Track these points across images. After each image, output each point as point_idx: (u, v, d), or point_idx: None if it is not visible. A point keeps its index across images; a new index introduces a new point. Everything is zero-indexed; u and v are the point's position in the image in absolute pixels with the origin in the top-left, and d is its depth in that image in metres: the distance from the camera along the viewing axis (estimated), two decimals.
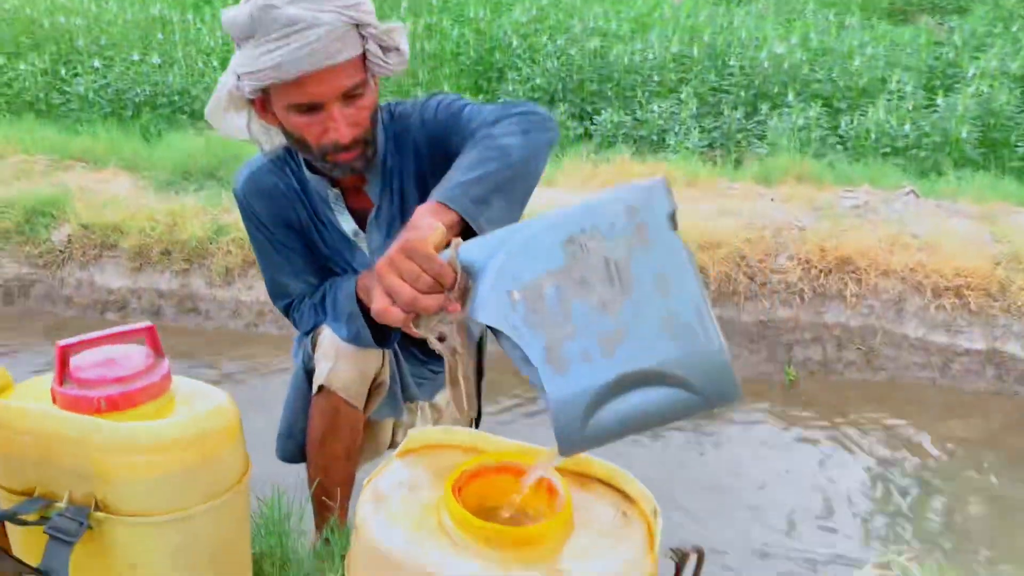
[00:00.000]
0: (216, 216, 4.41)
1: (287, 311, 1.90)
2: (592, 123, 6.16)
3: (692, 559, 1.21)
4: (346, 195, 1.79)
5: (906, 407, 3.52)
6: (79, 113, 6.72)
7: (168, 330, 4.23)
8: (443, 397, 2.12)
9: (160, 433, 1.27)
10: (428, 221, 1.16)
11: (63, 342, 1.33)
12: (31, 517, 1.30)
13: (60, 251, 4.42)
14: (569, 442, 0.96)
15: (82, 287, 4.35)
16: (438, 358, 1.96)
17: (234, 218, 4.34)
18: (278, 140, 1.71)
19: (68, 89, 6.92)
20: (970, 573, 2.48)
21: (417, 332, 1.09)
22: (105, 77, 6.88)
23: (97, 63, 6.96)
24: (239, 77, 1.52)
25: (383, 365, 1.81)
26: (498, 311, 0.97)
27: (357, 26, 1.48)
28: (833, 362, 3.77)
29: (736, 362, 3.65)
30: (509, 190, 1.32)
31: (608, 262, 0.95)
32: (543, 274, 0.96)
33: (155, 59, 6.89)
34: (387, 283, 1.17)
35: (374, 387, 1.81)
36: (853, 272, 3.79)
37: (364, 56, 1.52)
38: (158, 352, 1.43)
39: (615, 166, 5.08)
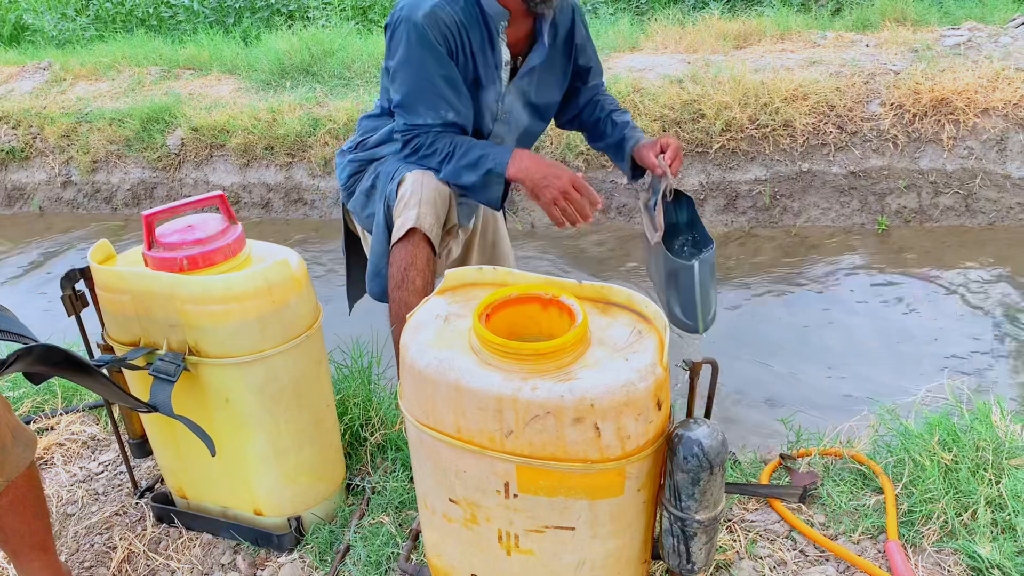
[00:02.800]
0: (311, 110, 4.60)
1: (409, 133, 2.04)
2: None
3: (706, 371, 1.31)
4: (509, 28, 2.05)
5: (1007, 251, 3.42)
6: (185, 24, 7.01)
7: (277, 222, 4.52)
8: (473, 221, 2.36)
9: (231, 285, 1.45)
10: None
11: (147, 212, 1.51)
12: (139, 362, 1.53)
13: (175, 154, 4.74)
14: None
15: (198, 186, 4.68)
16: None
17: (327, 111, 4.53)
18: None
19: (175, 2, 7.20)
20: None
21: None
22: None
23: None
24: None
25: (450, 208, 2.01)
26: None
27: None
28: (929, 209, 3.67)
29: (827, 214, 3.63)
30: None
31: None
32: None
33: None
34: (563, 207, 1.93)
35: (446, 231, 2.03)
36: (950, 113, 3.63)
37: None
38: (231, 218, 1.60)
39: (704, 27, 4.94)
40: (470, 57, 1.99)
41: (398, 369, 2.17)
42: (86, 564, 1.70)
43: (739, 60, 4.31)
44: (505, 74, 2.07)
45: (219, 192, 1.60)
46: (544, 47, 2.08)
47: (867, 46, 4.29)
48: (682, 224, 2.19)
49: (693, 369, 1.29)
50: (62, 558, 1.70)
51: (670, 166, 2.02)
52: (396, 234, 1.94)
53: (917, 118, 3.66)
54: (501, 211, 2.43)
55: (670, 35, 4.89)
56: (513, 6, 1.98)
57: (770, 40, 4.65)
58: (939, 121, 3.63)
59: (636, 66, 4.44)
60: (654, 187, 2.09)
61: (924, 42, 4.16)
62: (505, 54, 2.04)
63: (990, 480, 1.53)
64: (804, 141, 3.76)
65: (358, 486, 1.80)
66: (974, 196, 3.60)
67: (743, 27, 4.84)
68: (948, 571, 1.44)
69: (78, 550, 1.74)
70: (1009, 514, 1.47)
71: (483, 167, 1.95)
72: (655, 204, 2.06)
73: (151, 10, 7.32)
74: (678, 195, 2.12)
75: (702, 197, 3.91)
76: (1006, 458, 1.56)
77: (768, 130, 3.78)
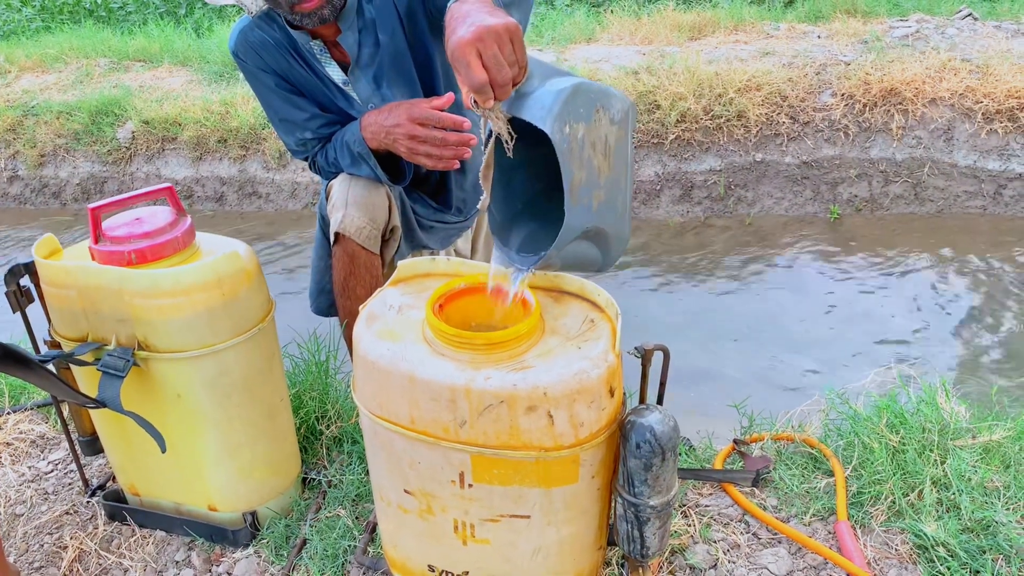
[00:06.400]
0: None
1: (311, 164, 2.02)
2: None
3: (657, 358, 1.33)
4: (328, 48, 1.88)
5: (954, 237, 3.50)
6: (135, 15, 6.88)
7: (231, 216, 4.46)
8: (464, 241, 2.26)
9: (180, 278, 1.42)
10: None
11: (93, 204, 1.48)
12: (87, 358, 1.50)
13: (126, 148, 4.65)
14: (549, 259, 1.21)
15: (150, 179, 4.59)
16: (448, 205, 2.09)
17: None
18: (260, 1, 1.82)
19: None
20: (976, 384, 2.53)
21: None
22: None
23: None
24: None
25: (391, 210, 1.92)
26: (557, 131, 1.07)
27: None
28: (879, 197, 3.74)
29: (780, 204, 3.68)
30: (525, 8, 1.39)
31: (607, 139, 1.17)
32: (583, 123, 1.12)
33: None
34: (424, 151, 1.68)
35: (387, 233, 1.95)
36: (899, 104, 3.69)
37: None
38: (179, 210, 1.58)
39: (659, 18, 4.97)
40: (302, 77, 1.89)
41: (352, 364, 2.17)
42: (36, 564, 1.67)
43: (694, 51, 4.35)
44: (351, 90, 1.92)
45: (167, 184, 1.57)
46: (362, 57, 1.84)
47: (819, 37, 4.36)
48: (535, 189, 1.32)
49: (645, 356, 1.30)
50: (11, 559, 1.67)
51: (484, 87, 1.05)
52: (332, 240, 1.92)
53: (867, 108, 3.72)
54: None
55: (626, 26, 4.92)
56: (319, 30, 1.82)
57: (724, 31, 4.70)
58: (888, 111, 3.70)
59: (592, 57, 4.46)
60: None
61: (874, 33, 4.23)
62: (336, 74, 1.90)
63: (936, 460, 1.56)
64: (758, 131, 3.81)
65: (314, 480, 1.79)
66: (923, 184, 3.68)
67: (697, 18, 4.88)
68: (896, 550, 1.47)
69: (27, 550, 1.71)
70: (953, 493, 1.50)
71: (349, 151, 1.86)
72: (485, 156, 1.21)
73: (99, 0, 7.16)
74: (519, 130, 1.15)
75: (658, 188, 3.94)
76: (951, 439, 1.60)
77: (722, 121, 3.82)
